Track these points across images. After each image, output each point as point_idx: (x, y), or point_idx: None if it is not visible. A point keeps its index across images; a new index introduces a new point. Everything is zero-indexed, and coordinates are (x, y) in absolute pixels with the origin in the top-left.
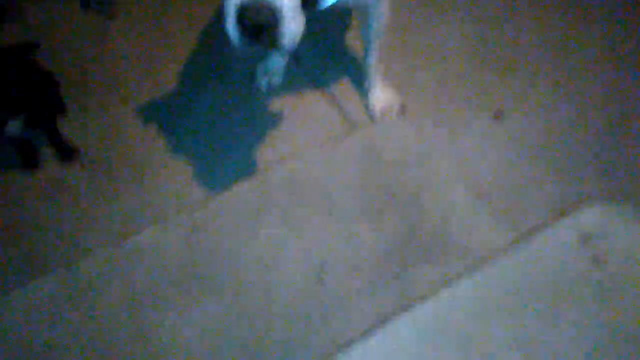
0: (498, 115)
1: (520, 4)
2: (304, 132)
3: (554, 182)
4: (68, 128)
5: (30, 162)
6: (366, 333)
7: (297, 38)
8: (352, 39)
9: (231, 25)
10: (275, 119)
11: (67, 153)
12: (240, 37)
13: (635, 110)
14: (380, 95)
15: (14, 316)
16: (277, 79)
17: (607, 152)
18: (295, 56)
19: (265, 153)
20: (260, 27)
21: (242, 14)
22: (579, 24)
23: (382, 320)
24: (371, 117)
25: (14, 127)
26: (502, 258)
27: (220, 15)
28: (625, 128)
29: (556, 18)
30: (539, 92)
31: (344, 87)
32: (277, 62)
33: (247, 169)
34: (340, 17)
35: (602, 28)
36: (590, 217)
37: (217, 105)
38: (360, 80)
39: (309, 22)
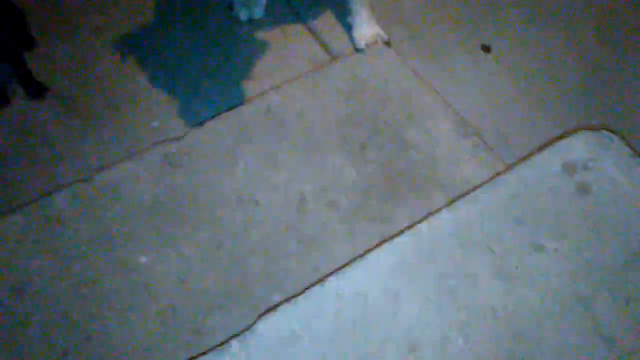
0: (485, 49)
1: None
2: (285, 65)
3: (540, 115)
4: (36, 61)
5: None
6: (345, 264)
7: None
8: None
9: None
10: (255, 51)
11: (35, 88)
12: None
13: (625, 45)
14: (364, 25)
15: None
16: (258, 10)
17: (593, 85)
18: None
19: (244, 87)
20: None
21: None
22: None
23: (362, 252)
24: (355, 48)
25: None
26: (486, 190)
27: None
28: (614, 65)
29: None
30: (527, 26)
31: (327, 19)
32: None
33: (226, 102)
34: None
35: None
36: (576, 147)
37: (195, 36)
38: (344, 12)
39: None
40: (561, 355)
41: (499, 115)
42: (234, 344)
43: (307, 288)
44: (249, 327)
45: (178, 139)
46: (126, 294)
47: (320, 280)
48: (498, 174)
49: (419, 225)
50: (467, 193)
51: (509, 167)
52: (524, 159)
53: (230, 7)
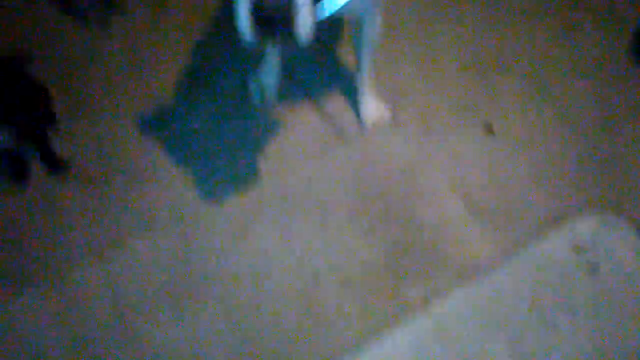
0: (488, 129)
1: (506, 13)
2: (297, 142)
3: (544, 194)
4: (57, 138)
5: (19, 174)
6: (359, 344)
7: (312, 31)
8: (344, 52)
9: (244, 18)
10: (268, 130)
11: (56, 165)
12: (255, 31)
13: (622, 125)
14: (372, 107)
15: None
16: (270, 93)
17: (596, 166)
18: (289, 69)
19: (258, 163)
20: (277, 19)
21: (258, 6)
22: (566, 35)
23: (376, 331)
24: (363, 129)
25: (3, 138)
26: (497, 269)
27: (215, 25)
28: (614, 144)
29: (543, 28)
30: (527, 106)
31: (336, 99)
32: (270, 76)
33: (240, 180)
34: (332, 30)
35: (588, 39)
36: (583, 227)
37: (210, 116)
38: (351, 92)
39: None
40: None
41: (504, 194)
42: None
43: None
44: None
45: (193, 214)
46: None
47: None
48: (508, 253)
49: (433, 304)
50: (479, 272)
51: (518, 246)
52: (532, 237)
53: (246, 89)
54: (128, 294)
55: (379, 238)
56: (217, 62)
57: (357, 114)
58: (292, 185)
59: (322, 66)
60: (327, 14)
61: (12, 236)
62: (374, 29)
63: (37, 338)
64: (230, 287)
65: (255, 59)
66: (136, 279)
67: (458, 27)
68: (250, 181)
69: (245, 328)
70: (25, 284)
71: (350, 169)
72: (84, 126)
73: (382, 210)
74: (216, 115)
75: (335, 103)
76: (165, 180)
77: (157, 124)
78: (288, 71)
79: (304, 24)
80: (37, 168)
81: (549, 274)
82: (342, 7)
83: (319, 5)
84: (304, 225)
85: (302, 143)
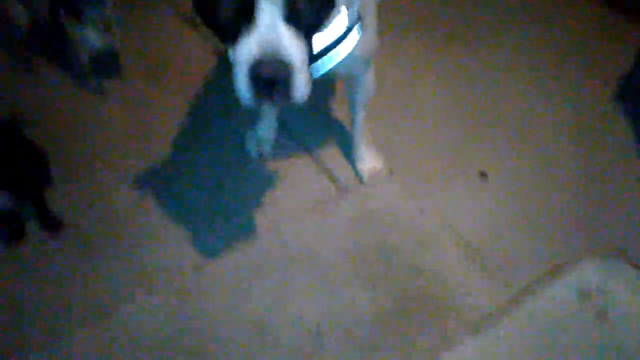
0: (482, 175)
1: (491, 69)
2: (295, 196)
3: (543, 239)
4: (53, 198)
5: (15, 234)
6: None
7: (307, 91)
8: (337, 106)
9: (243, 81)
10: (265, 185)
11: (51, 224)
12: (253, 93)
13: (613, 169)
14: (367, 159)
15: None
16: (267, 147)
17: (591, 210)
18: (285, 124)
19: (256, 219)
20: (274, 81)
21: (256, 69)
22: (550, 88)
23: None
24: (360, 181)
25: (0, 199)
26: (503, 317)
27: (210, 86)
28: (605, 189)
29: (527, 81)
30: (516, 154)
31: (331, 152)
32: (267, 130)
33: (238, 235)
34: (326, 85)
35: (572, 90)
36: (587, 273)
37: (207, 172)
38: (347, 144)
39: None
40: None
41: (503, 240)
42: None
43: None
44: None
45: (191, 272)
46: None
47: None
48: (513, 300)
49: (442, 356)
50: (485, 322)
51: (523, 294)
52: (532, 285)
53: (242, 144)
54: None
55: (381, 290)
56: (214, 121)
57: (353, 165)
58: (290, 241)
59: (317, 119)
60: (321, 72)
61: (8, 298)
62: (367, 84)
63: None
64: (228, 348)
65: (251, 115)
66: (131, 343)
67: (444, 78)
68: (248, 238)
69: None
70: (23, 351)
71: (348, 221)
72: (82, 188)
73: (382, 261)
74: (213, 172)
75: (331, 155)
76: (163, 240)
77: (152, 181)
78: (284, 125)
79: (301, 85)
80: (33, 229)
81: (557, 321)
82: (336, 66)
83: (314, 65)
84: (304, 281)
85: (299, 197)
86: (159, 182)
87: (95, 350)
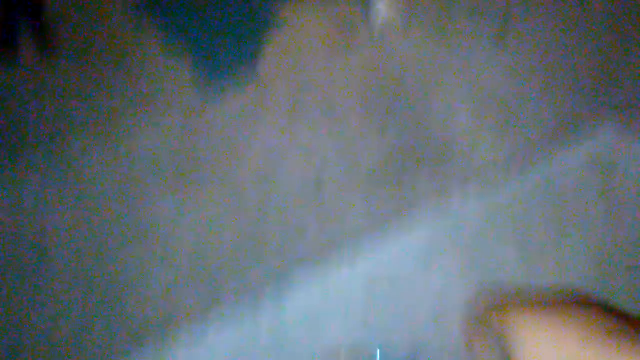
0: (500, 38)
1: None
2: (302, 45)
3: (558, 104)
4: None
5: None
6: (363, 240)
7: None
8: None
9: None
10: (270, 28)
11: (47, 40)
12: None
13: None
14: (382, 8)
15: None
16: None
17: (609, 77)
18: None
19: (266, 62)
20: None
21: None
22: None
23: (384, 228)
24: (373, 31)
25: None
26: (510, 178)
27: None
28: (625, 48)
29: None
30: (537, 15)
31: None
32: None
33: (247, 74)
34: None
35: None
36: (599, 138)
37: None
38: None
39: None
40: None
41: (519, 97)
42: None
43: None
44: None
45: (199, 107)
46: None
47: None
48: (521, 162)
49: (444, 206)
50: (491, 179)
51: (531, 155)
52: (546, 147)
53: None
54: (133, 176)
55: (385, 138)
56: None
57: (367, 15)
58: (298, 86)
59: None
60: None
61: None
62: None
63: (42, 215)
64: (234, 187)
65: None
66: (141, 161)
67: None
68: (257, 78)
69: (251, 227)
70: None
71: (359, 72)
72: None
73: (389, 113)
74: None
75: (344, 4)
76: (164, 68)
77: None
78: None
79: None
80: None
81: (564, 185)
82: None
83: None
84: (312, 121)
85: (308, 45)
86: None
87: (101, 171)
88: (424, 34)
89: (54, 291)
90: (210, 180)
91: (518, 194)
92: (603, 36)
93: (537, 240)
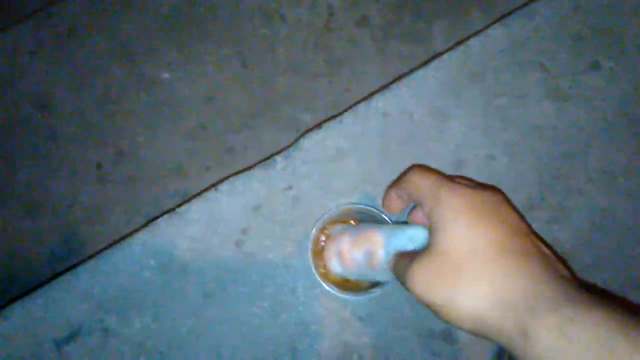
0: None
1: None
2: None
3: None
4: None
5: None
6: (390, 83)
7: None
8: None
9: None
10: None
11: None
12: None
13: None
14: None
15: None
16: None
17: None
18: None
19: None
20: None
21: None
22: None
23: (393, 71)
24: None
25: None
26: (545, 2)
27: None
28: None
29: None
30: None
31: None
32: None
33: None
34: None
35: None
36: None
37: None
38: None
39: None
40: (604, 174)
41: None
42: (279, 159)
43: (351, 107)
44: (293, 144)
45: None
46: (153, 111)
47: (365, 99)
48: None
49: (469, 42)
50: (521, 7)
51: None
52: None
53: None
54: (131, 31)
55: None
56: None
57: None
58: None
59: None
60: None
61: None
62: None
63: (40, 75)
64: (241, 27)
65: None
66: (138, 14)
67: None
68: None
69: (259, 70)
70: (17, 17)
71: None
72: None
73: None
74: None
75: None
76: None
77: None
78: None
79: None
80: None
81: (601, 8)
82: None
83: None
84: None
85: None
86: None
87: (93, 19)
88: None
89: (64, 145)
90: (214, 24)
91: None
92: None
93: (567, 70)
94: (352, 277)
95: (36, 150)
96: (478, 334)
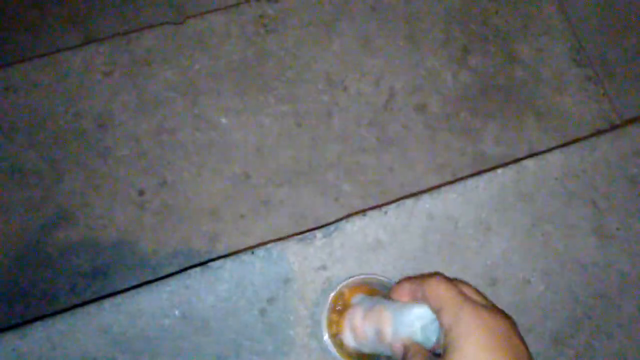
0: None
1: None
2: None
3: None
4: None
5: None
6: (440, 185)
7: None
8: None
9: None
10: None
11: None
12: None
13: None
14: None
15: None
16: None
17: None
18: None
19: None
20: None
21: None
22: None
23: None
24: None
25: None
26: (607, 139)
27: None
28: None
29: None
30: None
31: None
32: None
33: None
34: None
35: None
36: None
37: None
38: None
39: None
40: (636, 322)
41: (620, 50)
42: (319, 235)
43: (398, 200)
44: (335, 222)
45: (276, 1)
46: (204, 150)
47: (414, 195)
48: (614, 121)
49: (525, 162)
50: (583, 138)
51: (629, 112)
52: None
53: None
54: (200, 71)
55: (467, 67)
56: None
57: None
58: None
59: None
60: None
61: None
62: None
63: (107, 95)
64: (303, 88)
65: None
66: (210, 58)
67: None
68: None
69: (312, 133)
70: (97, 36)
71: None
72: None
73: (479, 36)
74: None
75: None
76: None
77: None
78: None
79: None
80: None
81: None
82: None
83: None
84: (392, 36)
85: None
86: None
87: (167, 52)
88: None
89: (113, 164)
90: (279, 81)
91: None
92: None
93: (616, 209)
94: (365, 350)
95: (85, 164)
96: None
